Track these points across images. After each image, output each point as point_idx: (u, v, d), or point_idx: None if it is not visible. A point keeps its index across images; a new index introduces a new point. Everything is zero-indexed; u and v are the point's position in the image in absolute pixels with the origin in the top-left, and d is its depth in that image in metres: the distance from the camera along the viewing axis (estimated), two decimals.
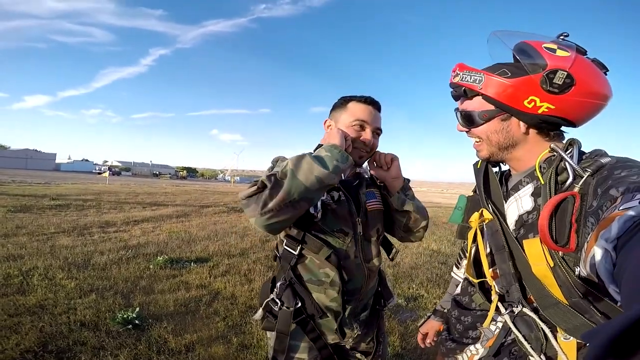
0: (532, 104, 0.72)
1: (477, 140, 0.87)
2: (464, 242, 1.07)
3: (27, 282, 3.35)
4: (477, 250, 0.94)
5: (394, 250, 1.35)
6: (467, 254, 0.96)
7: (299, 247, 1.11)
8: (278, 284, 1.15)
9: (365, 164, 1.25)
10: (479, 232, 0.92)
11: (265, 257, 5.14)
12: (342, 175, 1.02)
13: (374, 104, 1.17)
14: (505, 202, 0.87)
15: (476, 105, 0.82)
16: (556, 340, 0.75)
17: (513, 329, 0.82)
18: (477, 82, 0.78)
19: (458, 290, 1.08)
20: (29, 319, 2.54)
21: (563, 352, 0.74)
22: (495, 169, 0.97)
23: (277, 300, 1.12)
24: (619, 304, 0.67)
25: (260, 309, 1.18)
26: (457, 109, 0.89)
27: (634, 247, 0.41)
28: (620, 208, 0.50)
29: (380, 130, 1.20)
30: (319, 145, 1.12)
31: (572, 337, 0.73)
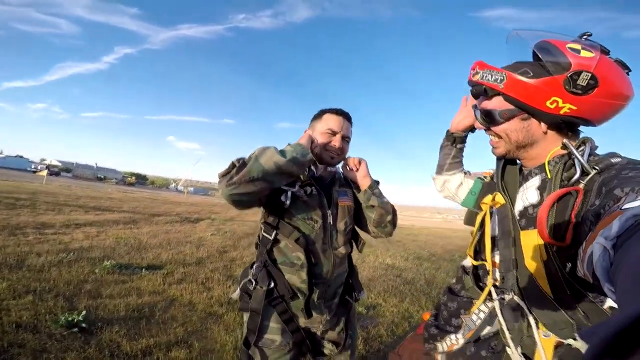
0: (555, 104, 0.71)
1: (495, 138, 0.88)
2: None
3: None
4: (482, 235, 0.94)
5: (361, 242, 1.49)
6: (473, 236, 0.96)
7: (274, 232, 1.25)
8: (254, 266, 1.30)
9: (340, 167, 1.45)
10: (487, 216, 0.92)
11: (223, 266, 4.95)
12: (306, 169, 1.23)
13: (344, 115, 1.37)
14: (518, 191, 0.88)
15: (496, 104, 0.81)
16: (538, 335, 0.76)
17: (499, 315, 0.82)
18: (498, 81, 0.77)
19: (453, 280, 1.10)
20: None
21: (542, 347, 0.74)
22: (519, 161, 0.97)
23: (253, 281, 1.25)
24: (605, 305, 0.69)
25: (238, 289, 1.30)
26: (475, 107, 0.89)
27: (632, 246, 0.40)
28: (623, 207, 0.49)
29: (349, 137, 1.38)
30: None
31: (551, 334, 0.74)
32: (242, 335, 1.27)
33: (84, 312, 2.56)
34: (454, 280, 1.09)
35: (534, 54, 0.77)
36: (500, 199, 0.89)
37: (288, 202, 1.23)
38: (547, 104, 0.72)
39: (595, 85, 0.68)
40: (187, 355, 2.25)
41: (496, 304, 0.84)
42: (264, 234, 1.28)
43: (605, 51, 0.73)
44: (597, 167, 0.68)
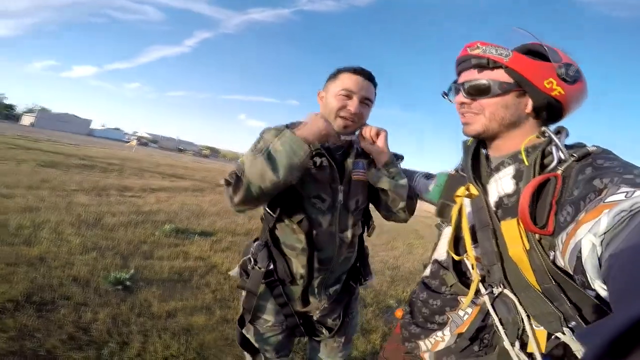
0: (550, 85, 0.77)
1: (476, 112, 0.87)
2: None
3: (35, 234, 3.44)
4: (460, 229, 0.91)
5: (371, 227, 1.33)
6: (451, 231, 0.92)
7: (278, 210, 1.13)
8: (255, 244, 1.22)
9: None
10: (463, 209, 0.90)
11: None
12: (305, 165, 1.01)
13: (364, 74, 1.15)
14: (488, 181, 0.88)
15: (498, 76, 0.82)
16: (531, 327, 0.74)
17: (491, 310, 0.79)
18: (503, 55, 0.80)
19: (427, 272, 1.02)
20: (24, 269, 2.58)
21: (535, 340, 0.73)
22: (484, 151, 0.97)
23: (252, 259, 1.19)
24: (593, 293, 0.66)
25: (237, 266, 1.25)
26: (462, 82, 0.88)
27: (623, 243, 0.41)
28: (606, 200, 0.51)
29: (369, 99, 1.17)
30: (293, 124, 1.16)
31: (541, 327, 0.73)
32: (237, 312, 1.27)
33: (132, 271, 2.84)
34: (427, 274, 1.02)
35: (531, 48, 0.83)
36: (473, 190, 0.87)
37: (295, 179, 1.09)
38: (545, 83, 0.77)
39: (579, 78, 0.78)
40: (205, 322, 2.36)
41: (486, 299, 0.80)
42: (267, 210, 1.17)
43: None
44: (575, 155, 0.70)
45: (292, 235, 1.14)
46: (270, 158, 0.95)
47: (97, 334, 2.00)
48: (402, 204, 1.16)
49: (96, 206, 5.28)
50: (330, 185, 1.14)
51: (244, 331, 1.20)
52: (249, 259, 1.19)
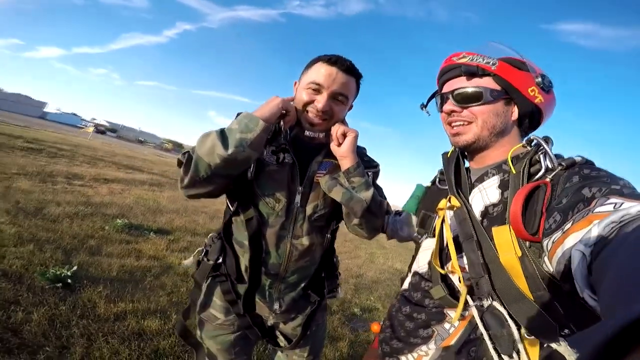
0: (533, 92, 0.83)
1: (467, 122, 0.87)
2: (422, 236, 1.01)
3: None
4: (441, 240, 0.90)
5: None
6: (435, 242, 0.91)
7: (235, 204, 1.07)
8: (210, 235, 1.19)
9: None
10: (446, 222, 0.89)
11: None
12: (260, 145, 0.96)
13: (340, 65, 1.01)
14: (470, 193, 0.88)
15: (487, 83, 0.85)
16: (521, 340, 0.71)
17: (479, 324, 0.76)
18: (490, 64, 0.83)
19: (406, 285, 0.99)
20: None
21: (526, 352, 0.71)
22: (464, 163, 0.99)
23: (204, 251, 1.16)
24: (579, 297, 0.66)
25: (192, 256, 1.22)
26: (452, 90, 0.89)
27: (614, 253, 0.42)
28: (596, 211, 0.52)
29: (342, 94, 1.04)
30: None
31: (533, 337, 0.71)
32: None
33: (74, 268, 2.55)
34: (405, 287, 0.99)
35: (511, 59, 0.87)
36: (455, 202, 0.87)
37: (250, 173, 1.02)
38: (529, 90, 0.83)
39: (552, 88, 0.84)
40: (160, 326, 2.16)
41: (474, 312, 0.77)
42: (227, 202, 1.11)
43: None
44: (562, 164, 0.72)
45: (242, 232, 1.06)
46: (222, 134, 0.92)
47: (31, 336, 1.75)
48: (355, 221, 1.04)
49: (39, 193, 4.80)
50: (289, 185, 1.05)
51: (187, 323, 1.18)
52: (203, 250, 1.17)
